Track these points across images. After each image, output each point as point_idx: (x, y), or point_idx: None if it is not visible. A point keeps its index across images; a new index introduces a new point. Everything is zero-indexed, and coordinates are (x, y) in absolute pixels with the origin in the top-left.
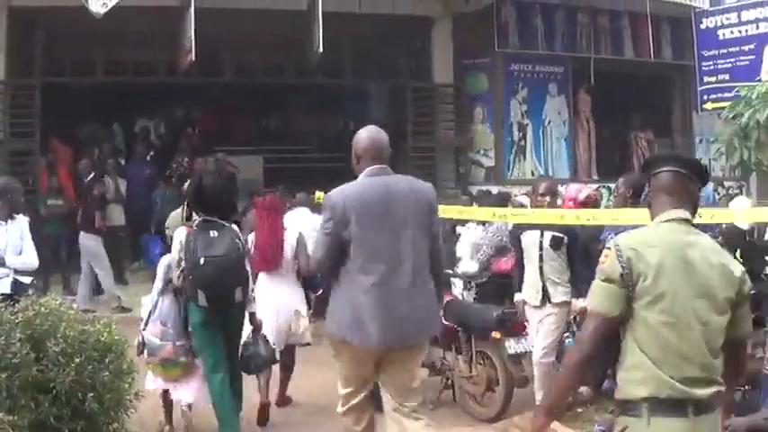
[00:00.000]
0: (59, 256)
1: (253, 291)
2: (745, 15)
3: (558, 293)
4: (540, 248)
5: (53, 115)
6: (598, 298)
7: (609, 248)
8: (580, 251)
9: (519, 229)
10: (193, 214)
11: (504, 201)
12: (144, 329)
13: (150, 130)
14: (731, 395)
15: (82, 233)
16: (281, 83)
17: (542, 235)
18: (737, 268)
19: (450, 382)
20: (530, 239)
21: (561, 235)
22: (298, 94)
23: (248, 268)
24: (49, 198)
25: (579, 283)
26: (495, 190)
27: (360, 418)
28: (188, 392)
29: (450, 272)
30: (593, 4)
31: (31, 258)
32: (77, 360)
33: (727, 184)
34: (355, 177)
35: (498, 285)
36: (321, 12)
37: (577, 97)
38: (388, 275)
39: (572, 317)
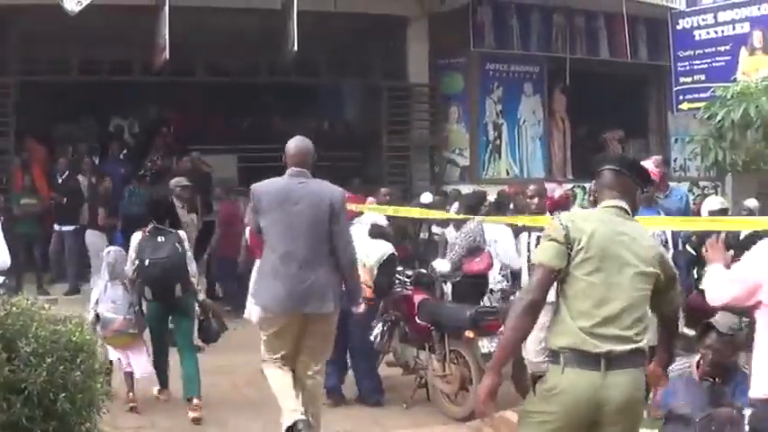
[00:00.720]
0: (33, 256)
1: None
2: (722, 16)
3: None
4: (528, 249)
5: (28, 114)
6: (544, 253)
7: (553, 219)
8: None
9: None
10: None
11: (480, 200)
12: (96, 308)
13: (124, 129)
14: (667, 357)
15: (88, 231)
16: (256, 82)
17: (529, 236)
18: (662, 251)
19: (423, 381)
20: (522, 240)
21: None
22: (272, 93)
23: (191, 267)
24: (22, 197)
25: None
26: (468, 189)
27: (282, 367)
28: (140, 366)
29: (424, 271)
30: (569, 5)
31: (2, 257)
32: (49, 360)
33: (702, 184)
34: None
35: (472, 285)
36: (296, 10)
37: (552, 97)
38: (288, 255)
39: None
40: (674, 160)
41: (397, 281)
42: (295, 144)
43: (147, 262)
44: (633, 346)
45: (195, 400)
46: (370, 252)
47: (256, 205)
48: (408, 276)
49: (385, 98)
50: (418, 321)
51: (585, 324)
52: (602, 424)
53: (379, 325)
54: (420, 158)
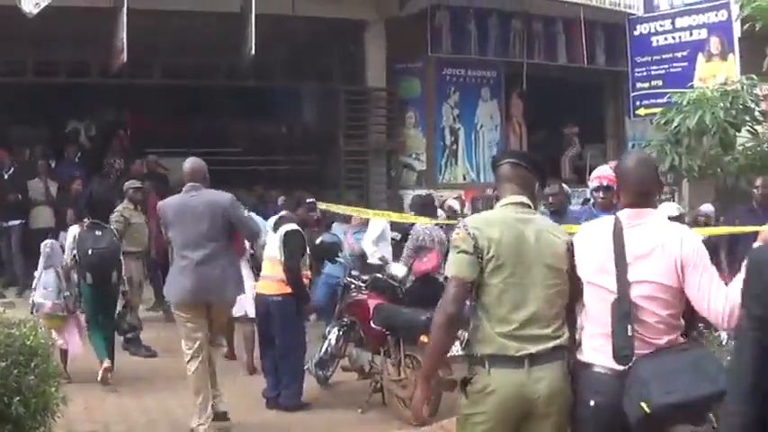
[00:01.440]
0: None
1: None
2: (679, 22)
3: None
4: None
5: None
6: (456, 266)
7: (459, 228)
8: None
9: None
10: None
11: (430, 203)
12: (34, 294)
13: (81, 132)
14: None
15: (62, 232)
16: (213, 85)
17: None
18: (565, 238)
19: (379, 385)
20: None
21: None
22: (230, 96)
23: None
24: None
25: None
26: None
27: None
28: (73, 344)
29: (380, 276)
30: (527, 10)
31: None
32: (3, 364)
33: None
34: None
35: (424, 287)
36: (254, 14)
37: (510, 102)
38: (191, 257)
39: None
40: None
41: (353, 285)
42: (189, 165)
43: (90, 251)
44: (553, 343)
45: (105, 363)
46: (272, 243)
47: (164, 219)
48: (364, 281)
49: (342, 102)
50: (373, 326)
51: (504, 330)
52: (533, 416)
53: (335, 329)
54: (377, 163)
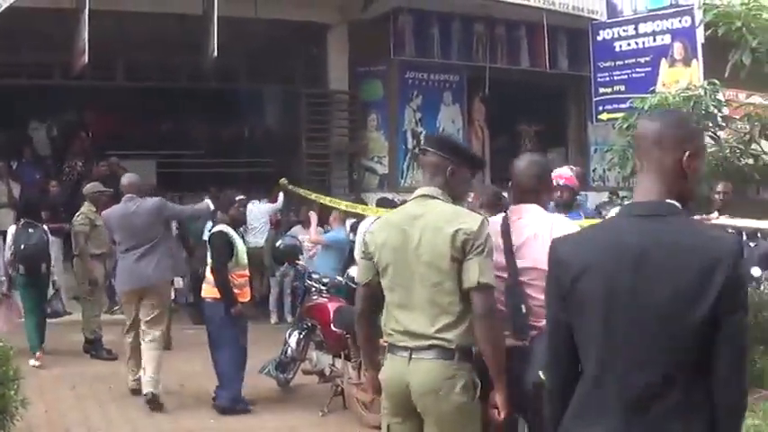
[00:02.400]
0: None
1: None
2: (642, 28)
3: None
4: None
5: None
6: (357, 269)
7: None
8: None
9: None
10: None
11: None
12: None
13: (42, 133)
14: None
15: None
16: (176, 86)
17: None
18: (452, 228)
19: (340, 389)
20: None
21: None
22: (192, 98)
23: (52, 252)
24: None
25: None
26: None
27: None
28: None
29: (340, 279)
30: (490, 14)
31: None
32: None
33: (621, 193)
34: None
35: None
36: (216, 16)
37: (472, 106)
38: (132, 255)
39: None
40: (594, 170)
41: (313, 288)
42: (126, 180)
43: (22, 246)
44: (430, 342)
45: (38, 354)
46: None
47: (108, 226)
48: (324, 284)
49: (304, 105)
50: (333, 329)
51: (394, 328)
52: (418, 409)
53: (296, 332)
54: (339, 166)
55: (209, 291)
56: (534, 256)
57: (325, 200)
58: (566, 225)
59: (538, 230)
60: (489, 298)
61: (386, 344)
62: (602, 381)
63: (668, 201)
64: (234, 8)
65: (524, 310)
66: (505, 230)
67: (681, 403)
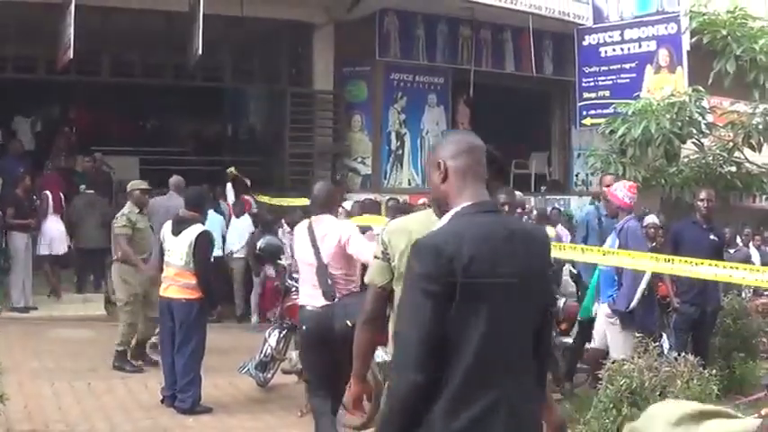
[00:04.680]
0: None
1: None
2: (628, 34)
3: None
4: None
5: None
6: (371, 272)
7: (379, 235)
8: None
9: None
10: None
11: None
12: None
13: (27, 128)
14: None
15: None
16: (160, 83)
17: None
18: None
19: None
20: None
21: None
22: (177, 95)
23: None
24: None
25: None
26: (373, 198)
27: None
28: None
29: None
30: (476, 17)
31: None
32: None
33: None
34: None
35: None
36: (202, 14)
37: (456, 109)
38: None
39: None
40: (577, 175)
41: (293, 288)
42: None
43: None
44: None
45: None
46: (174, 249)
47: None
48: None
49: (289, 104)
50: None
51: None
52: None
53: (276, 332)
54: (322, 165)
55: (178, 291)
56: (328, 249)
57: (265, 198)
58: (348, 228)
59: (328, 232)
60: None
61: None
62: (490, 351)
63: (490, 200)
64: (220, 6)
65: (330, 283)
66: (311, 232)
67: (535, 368)
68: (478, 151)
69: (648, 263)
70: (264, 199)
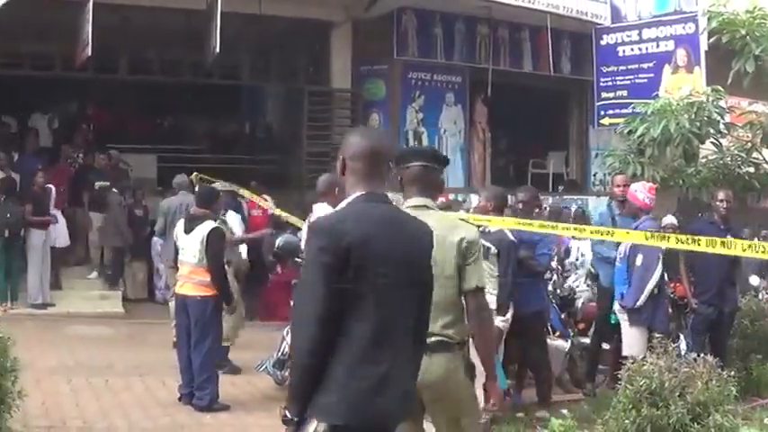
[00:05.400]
0: None
1: None
2: (646, 33)
3: None
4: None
5: None
6: None
7: None
8: (512, 262)
9: None
10: None
11: None
12: None
13: (44, 125)
14: (477, 345)
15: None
16: (178, 81)
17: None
18: (456, 237)
19: None
20: None
21: (488, 245)
22: (194, 93)
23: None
24: None
25: (508, 293)
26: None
27: None
28: None
29: None
30: (494, 16)
31: None
32: None
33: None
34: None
35: None
36: (220, 11)
37: (474, 108)
38: None
39: None
40: (594, 174)
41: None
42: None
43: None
44: (438, 338)
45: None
46: (187, 247)
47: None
48: None
49: (306, 102)
50: None
51: None
52: (430, 399)
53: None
54: None
55: (193, 289)
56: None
57: (244, 191)
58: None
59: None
60: (482, 299)
61: None
62: (380, 321)
63: (382, 193)
64: (238, 4)
65: None
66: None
67: (413, 347)
68: (378, 155)
69: (642, 238)
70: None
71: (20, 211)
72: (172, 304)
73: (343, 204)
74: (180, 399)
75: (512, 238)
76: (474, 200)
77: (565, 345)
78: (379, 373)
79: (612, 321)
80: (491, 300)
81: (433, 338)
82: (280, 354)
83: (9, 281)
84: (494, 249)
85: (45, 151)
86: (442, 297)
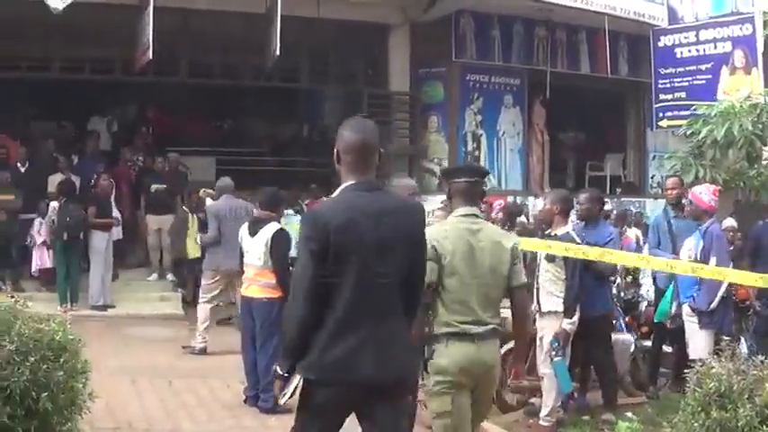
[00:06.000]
0: (9, 252)
1: None
2: (703, 35)
3: (549, 303)
4: (537, 259)
5: (4, 111)
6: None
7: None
8: (578, 265)
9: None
10: None
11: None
12: None
13: (103, 128)
14: (517, 331)
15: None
16: (237, 85)
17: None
18: (510, 243)
19: None
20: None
21: None
22: (253, 96)
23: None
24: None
25: (575, 296)
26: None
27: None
28: None
29: None
30: (551, 18)
31: None
32: (32, 359)
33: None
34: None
35: None
36: (279, 15)
37: (532, 110)
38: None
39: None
40: (652, 177)
41: None
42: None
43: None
44: (489, 327)
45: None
46: (251, 249)
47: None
48: None
49: (365, 105)
50: None
51: (459, 318)
52: (481, 381)
53: None
54: (399, 167)
55: (259, 291)
56: None
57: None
58: None
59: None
60: (526, 293)
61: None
62: (359, 294)
63: (371, 181)
64: (297, 8)
65: None
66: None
67: (400, 308)
68: (367, 147)
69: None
70: None
71: (80, 214)
72: (203, 307)
73: (336, 193)
74: (245, 401)
75: (577, 239)
76: (532, 202)
77: (630, 338)
78: (354, 341)
79: (656, 320)
80: (558, 303)
81: (489, 327)
82: None
83: (69, 282)
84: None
85: (104, 154)
86: (497, 292)
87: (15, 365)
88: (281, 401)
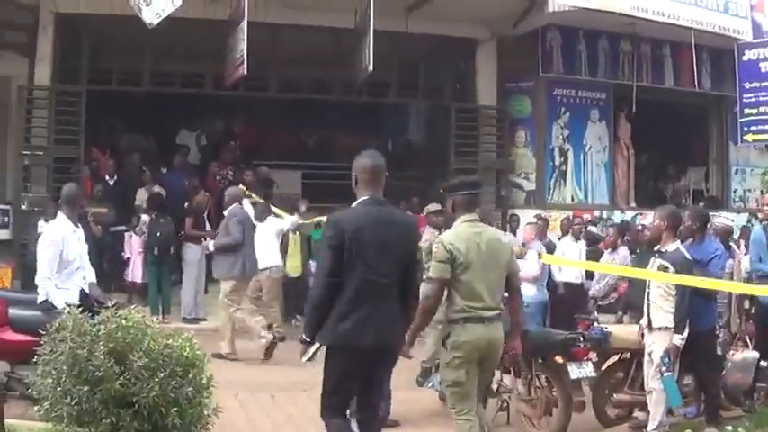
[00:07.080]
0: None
1: None
2: None
3: (660, 319)
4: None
5: (93, 124)
6: (437, 270)
7: (437, 244)
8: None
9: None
10: None
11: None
12: None
13: (192, 142)
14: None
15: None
16: (324, 99)
17: (653, 263)
18: (507, 239)
19: (505, 404)
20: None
21: (666, 264)
22: (339, 110)
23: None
24: (92, 206)
25: (686, 311)
26: (533, 213)
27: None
28: None
29: None
30: (636, 32)
31: (91, 274)
32: (161, 374)
33: (760, 216)
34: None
35: None
36: (372, 30)
37: (618, 124)
38: None
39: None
40: (734, 191)
41: None
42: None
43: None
44: (496, 311)
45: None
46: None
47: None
48: None
49: (453, 119)
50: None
51: (472, 304)
52: (487, 355)
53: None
54: (487, 181)
55: None
56: None
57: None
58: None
59: None
60: (518, 280)
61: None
62: (365, 283)
63: (383, 198)
64: (385, 23)
65: None
66: None
67: (396, 294)
68: (377, 170)
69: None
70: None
71: (170, 228)
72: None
73: (354, 205)
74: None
75: (688, 256)
76: (619, 216)
77: (755, 355)
78: (360, 317)
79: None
80: (669, 318)
81: (495, 312)
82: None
83: (161, 294)
84: (672, 269)
85: (193, 168)
86: (500, 281)
87: (144, 381)
88: (303, 359)
